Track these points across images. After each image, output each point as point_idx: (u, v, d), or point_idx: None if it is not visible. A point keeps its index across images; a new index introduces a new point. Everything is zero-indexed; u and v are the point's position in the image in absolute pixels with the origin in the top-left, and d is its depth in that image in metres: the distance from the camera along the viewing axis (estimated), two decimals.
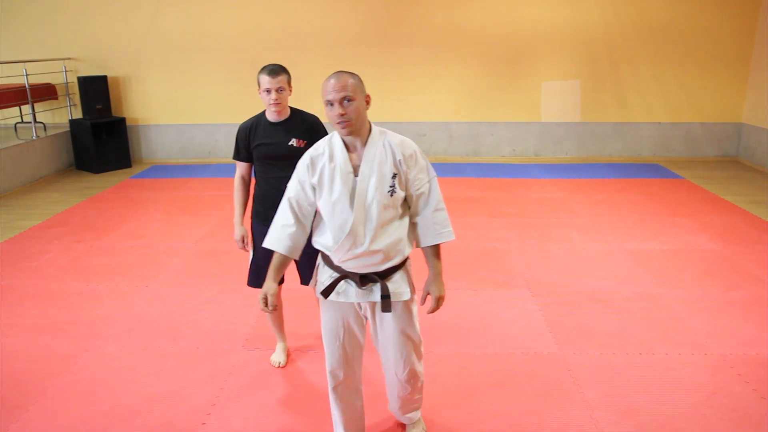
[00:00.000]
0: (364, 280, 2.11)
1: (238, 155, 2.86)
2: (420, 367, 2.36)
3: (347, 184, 2.05)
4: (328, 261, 2.18)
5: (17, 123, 7.48)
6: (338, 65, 7.74)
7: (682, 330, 3.43)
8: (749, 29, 7.49)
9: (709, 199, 6.06)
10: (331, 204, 2.06)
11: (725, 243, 4.80)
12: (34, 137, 7.13)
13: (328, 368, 2.30)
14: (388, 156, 2.06)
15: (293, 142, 2.75)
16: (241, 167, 2.88)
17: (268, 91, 2.67)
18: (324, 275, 2.20)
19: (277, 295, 3.01)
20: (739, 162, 7.79)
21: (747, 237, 4.94)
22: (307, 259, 2.87)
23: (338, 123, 1.99)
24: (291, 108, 2.81)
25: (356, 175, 2.05)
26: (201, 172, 7.51)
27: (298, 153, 2.70)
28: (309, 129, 2.79)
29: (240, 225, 2.90)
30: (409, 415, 2.53)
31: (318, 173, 2.09)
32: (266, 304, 2.16)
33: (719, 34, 7.50)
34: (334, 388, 2.33)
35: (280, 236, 2.16)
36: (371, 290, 2.13)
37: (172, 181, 7.05)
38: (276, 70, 2.66)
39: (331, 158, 2.08)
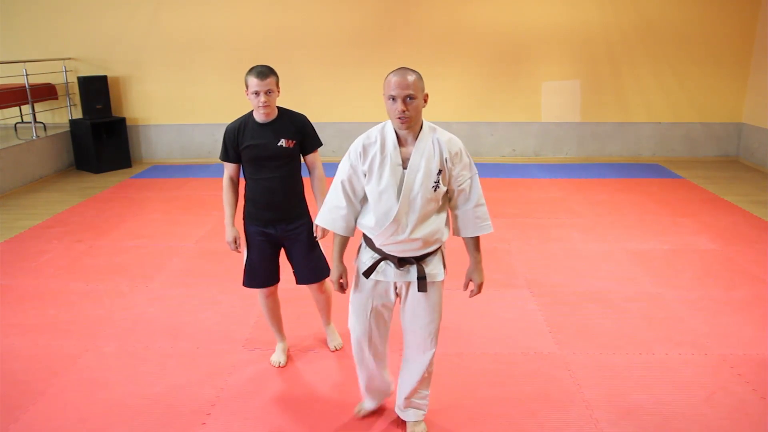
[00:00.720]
0: (402, 262, 2.26)
1: (226, 156, 2.82)
2: (433, 362, 2.46)
3: (395, 176, 2.16)
4: (370, 243, 2.31)
5: (17, 123, 7.48)
6: (338, 65, 7.77)
7: (682, 330, 3.43)
8: (749, 29, 7.49)
9: (709, 199, 6.06)
10: (378, 192, 2.18)
11: (725, 243, 4.80)
12: (34, 137, 7.13)
13: (353, 339, 2.46)
14: (435, 153, 2.17)
15: (282, 142, 2.74)
16: (229, 168, 2.85)
17: (257, 93, 2.64)
18: (365, 256, 2.33)
19: (275, 295, 3.03)
20: (739, 162, 7.79)
21: (747, 237, 4.94)
22: (303, 257, 2.90)
23: (398, 118, 2.09)
24: (279, 108, 2.79)
25: (404, 168, 2.17)
26: (201, 172, 7.51)
27: (288, 153, 2.76)
28: (298, 129, 2.79)
29: (231, 226, 2.87)
30: (412, 409, 2.56)
31: (369, 161, 2.19)
32: (341, 288, 2.40)
33: (719, 34, 7.50)
34: (359, 360, 2.50)
35: (334, 217, 2.31)
36: (408, 271, 2.28)
37: (172, 181, 7.05)
38: (264, 72, 2.63)
39: (382, 149, 2.18)
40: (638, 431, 2.58)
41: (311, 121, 2.88)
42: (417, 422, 2.58)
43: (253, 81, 2.62)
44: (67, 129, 7.70)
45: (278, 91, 2.71)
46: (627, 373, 3.01)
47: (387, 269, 2.29)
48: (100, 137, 7.56)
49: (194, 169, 7.66)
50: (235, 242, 2.87)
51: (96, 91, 7.50)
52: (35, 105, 7.30)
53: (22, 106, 7.41)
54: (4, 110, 7.57)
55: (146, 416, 2.70)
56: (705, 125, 7.86)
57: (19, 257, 4.65)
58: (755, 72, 7.52)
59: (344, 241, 2.36)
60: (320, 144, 2.92)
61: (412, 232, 2.17)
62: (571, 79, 7.75)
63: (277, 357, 3.14)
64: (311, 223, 2.88)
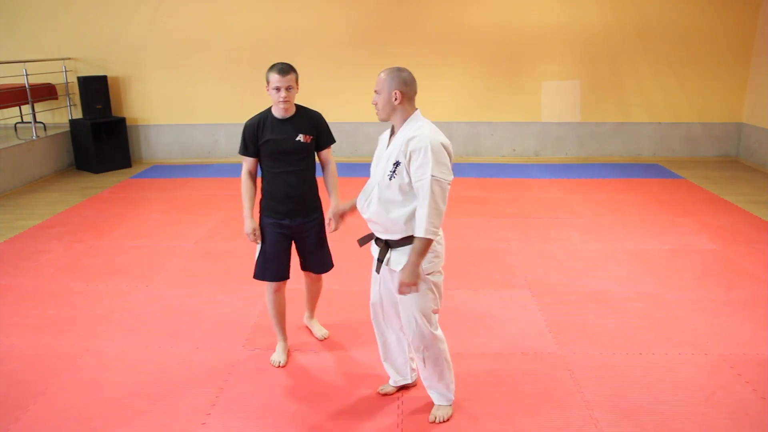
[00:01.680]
0: (377, 240, 2.51)
1: (245, 151, 2.90)
2: (429, 349, 2.52)
3: (376, 158, 2.47)
4: None
5: (17, 123, 7.48)
6: (338, 65, 7.77)
7: (682, 330, 3.43)
8: (749, 29, 7.49)
9: (709, 199, 6.06)
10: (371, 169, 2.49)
11: (725, 243, 4.80)
12: (34, 137, 7.12)
13: (370, 302, 2.70)
14: (399, 145, 2.33)
15: (300, 137, 2.85)
16: (248, 162, 2.92)
17: (278, 89, 2.75)
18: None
19: (282, 292, 3.05)
20: (739, 162, 7.79)
21: (747, 237, 4.94)
22: (315, 248, 3.01)
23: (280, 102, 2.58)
24: (296, 105, 2.90)
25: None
26: (201, 172, 7.51)
27: (306, 148, 2.87)
28: (314, 125, 2.91)
29: (250, 218, 2.94)
30: (433, 391, 2.67)
31: (380, 147, 2.52)
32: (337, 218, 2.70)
33: (719, 34, 7.50)
34: (375, 320, 2.73)
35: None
36: (377, 251, 2.50)
37: (172, 181, 7.05)
38: (286, 69, 2.75)
39: (383, 137, 2.52)
40: (638, 431, 2.58)
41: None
42: (440, 406, 2.67)
43: (275, 77, 2.74)
44: (67, 129, 7.70)
45: (297, 88, 2.82)
46: (627, 373, 3.01)
47: (373, 244, 2.54)
48: (100, 137, 7.56)
49: (194, 169, 7.66)
50: (254, 233, 2.93)
51: (96, 91, 7.50)
52: (35, 105, 7.30)
53: (22, 106, 7.41)
54: (4, 110, 7.57)
55: (146, 416, 2.70)
56: (705, 125, 7.86)
57: (19, 257, 4.65)
58: (755, 72, 7.52)
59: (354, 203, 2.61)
60: (333, 141, 3.05)
61: (371, 213, 2.40)
62: (571, 79, 7.75)
63: (278, 356, 3.15)
64: (323, 217, 3.01)
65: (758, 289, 3.96)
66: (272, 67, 2.76)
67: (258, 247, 3.00)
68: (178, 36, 7.72)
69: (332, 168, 3.03)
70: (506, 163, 7.83)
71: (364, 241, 2.59)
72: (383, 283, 2.59)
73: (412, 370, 2.82)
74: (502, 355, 3.20)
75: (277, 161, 2.86)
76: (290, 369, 3.09)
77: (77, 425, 2.65)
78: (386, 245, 2.44)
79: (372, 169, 2.49)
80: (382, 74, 2.36)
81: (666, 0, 7.43)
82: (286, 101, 2.77)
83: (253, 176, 2.95)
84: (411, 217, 2.34)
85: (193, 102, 7.95)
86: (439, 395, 2.67)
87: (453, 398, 2.68)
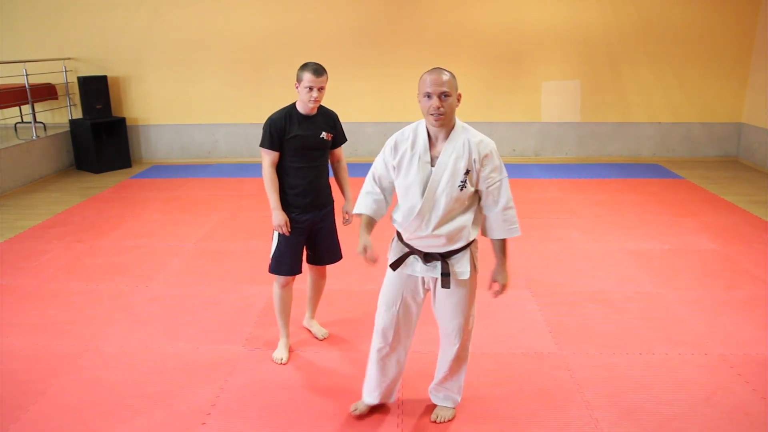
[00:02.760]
0: (428, 257, 2.33)
1: (271, 144, 2.90)
2: (468, 346, 2.54)
3: (422, 172, 2.24)
4: (400, 237, 2.40)
5: (17, 123, 7.48)
6: (338, 65, 7.76)
7: (682, 330, 3.43)
8: (749, 29, 7.49)
9: (709, 199, 6.06)
10: (405, 187, 2.28)
11: (725, 243, 4.80)
12: (34, 137, 7.12)
13: (377, 328, 2.51)
14: (465, 153, 2.22)
15: (323, 135, 2.94)
16: (272, 156, 2.93)
17: (311, 88, 2.80)
18: (396, 249, 2.43)
19: (291, 287, 3.09)
20: (739, 162, 7.79)
21: (747, 237, 4.94)
22: (328, 240, 3.07)
23: (432, 115, 2.16)
24: None
25: (433, 166, 2.24)
26: (201, 172, 7.51)
27: (326, 145, 2.98)
28: (333, 123, 3.01)
29: (280, 209, 2.93)
30: (443, 394, 2.65)
31: (399, 156, 2.28)
32: (369, 258, 2.37)
33: (719, 34, 7.50)
34: (379, 350, 2.54)
35: (366, 202, 2.41)
36: (435, 266, 2.34)
37: (172, 181, 7.05)
38: (320, 70, 2.82)
39: (413, 145, 2.27)
40: (638, 431, 2.58)
41: None
42: (444, 407, 2.65)
43: (310, 77, 2.80)
44: (67, 129, 7.70)
45: (324, 90, 2.89)
46: (627, 373, 3.01)
47: (415, 263, 2.37)
48: (100, 137, 7.56)
49: (194, 169, 7.66)
50: (287, 225, 2.93)
51: (96, 91, 7.50)
52: (35, 105, 7.30)
53: (22, 106, 7.41)
54: (4, 110, 7.57)
55: (146, 416, 2.70)
56: (705, 125, 7.86)
57: (19, 257, 4.65)
58: (755, 72, 7.52)
59: (371, 222, 2.41)
60: (346, 140, 3.15)
61: (435, 228, 2.24)
62: (571, 79, 7.75)
63: (280, 353, 3.16)
64: (334, 209, 3.11)
65: (758, 289, 3.96)
66: (306, 66, 2.81)
67: (274, 242, 3.02)
68: (178, 36, 7.72)
69: (344, 164, 3.14)
70: (506, 163, 7.72)
71: (398, 263, 2.39)
72: (403, 306, 2.44)
73: (397, 389, 2.74)
74: (502, 355, 3.20)
75: (301, 156, 2.91)
76: (290, 368, 3.09)
77: (77, 425, 2.65)
78: (442, 258, 2.31)
79: (412, 183, 2.24)
80: (445, 74, 2.15)
81: (666, 0, 7.43)
82: (316, 101, 2.84)
83: (276, 169, 2.96)
84: (473, 223, 2.30)
85: (193, 102, 7.95)
86: (448, 398, 2.66)
87: (459, 401, 2.68)
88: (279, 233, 2.97)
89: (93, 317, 3.66)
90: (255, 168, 7.60)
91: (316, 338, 3.37)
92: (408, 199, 2.27)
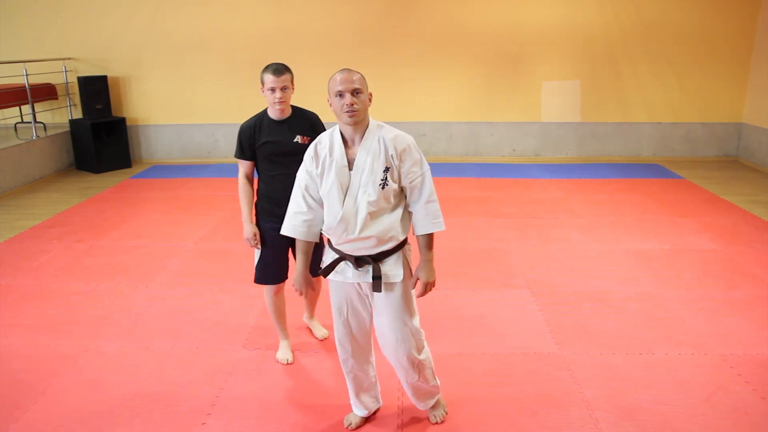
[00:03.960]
0: (359, 261, 2.26)
1: (242, 154, 2.87)
2: (421, 355, 2.42)
3: (341, 177, 2.20)
4: (329, 243, 2.34)
5: (17, 123, 7.48)
6: (338, 65, 7.68)
7: (682, 330, 3.43)
8: (749, 29, 7.49)
9: (709, 199, 6.06)
10: (326, 193, 2.23)
11: (725, 243, 4.80)
12: (34, 137, 7.12)
13: (336, 340, 2.47)
14: (381, 150, 2.18)
15: (298, 138, 2.81)
16: (245, 166, 2.89)
17: (273, 89, 2.70)
18: (327, 256, 2.36)
19: (282, 293, 3.05)
20: (739, 162, 7.79)
21: (747, 237, 4.94)
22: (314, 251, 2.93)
23: (346, 112, 2.13)
24: (292, 106, 2.86)
25: (351, 169, 2.20)
26: (201, 172, 7.51)
27: (303, 149, 2.74)
28: (311, 126, 2.87)
29: (249, 223, 2.90)
30: (427, 401, 2.59)
31: (320, 164, 2.24)
32: (300, 292, 2.39)
33: (719, 34, 7.50)
34: (344, 360, 2.49)
35: (295, 223, 2.33)
36: (367, 271, 2.27)
37: (172, 181, 7.05)
38: (280, 69, 2.70)
39: (330, 151, 2.22)
40: (638, 431, 2.58)
41: None
42: (434, 406, 2.63)
43: (269, 78, 2.69)
44: (67, 129, 7.70)
45: (293, 88, 2.77)
46: (627, 373, 3.01)
47: (346, 269, 2.30)
48: (100, 137, 7.56)
49: (194, 169, 7.66)
50: (255, 238, 2.89)
51: (96, 91, 7.50)
52: (35, 105, 7.30)
53: (22, 106, 7.41)
54: (4, 110, 7.57)
55: (146, 416, 2.70)
56: (705, 125, 7.86)
57: (19, 257, 4.65)
58: (755, 72, 7.52)
59: (307, 247, 2.36)
60: None
61: (361, 230, 2.19)
62: (571, 79, 7.75)
63: (284, 354, 3.15)
64: None
65: (758, 289, 3.96)
66: (266, 68, 2.71)
67: (256, 252, 2.97)
68: (178, 36, 7.72)
69: None
70: (506, 163, 7.83)
71: (329, 270, 2.32)
72: (352, 313, 2.38)
73: (378, 391, 2.69)
74: (502, 355, 3.20)
75: (275, 164, 2.81)
76: (290, 369, 3.09)
77: (77, 425, 2.65)
78: (374, 261, 2.25)
79: (331, 188, 2.20)
80: (356, 74, 2.15)
81: (666, 0, 7.43)
82: (281, 102, 2.72)
83: (250, 180, 2.93)
84: (401, 221, 2.23)
85: (193, 102, 7.96)
86: (427, 399, 2.58)
87: (439, 388, 2.60)
88: (262, 242, 2.90)
89: (93, 317, 3.66)
90: None
91: (315, 337, 3.36)
92: (330, 205, 2.21)
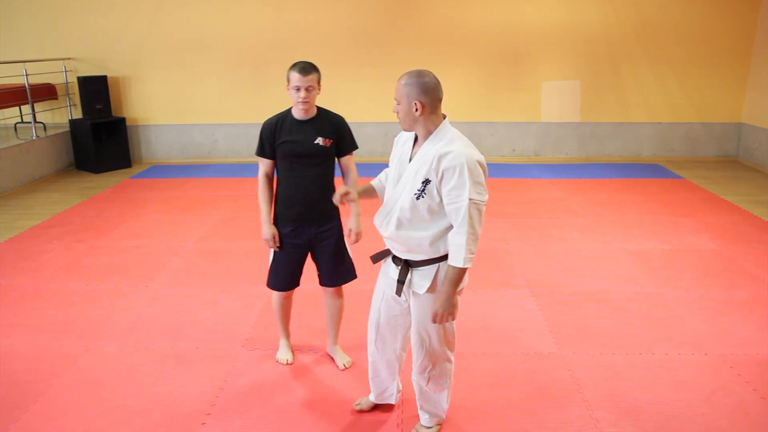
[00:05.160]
0: (395, 259, 2.29)
1: (262, 152, 2.78)
2: (437, 369, 2.39)
3: (398, 170, 2.23)
4: None
5: (17, 123, 7.48)
6: (338, 65, 7.76)
7: (682, 330, 3.43)
8: (749, 29, 7.49)
9: (709, 199, 6.06)
10: (388, 181, 2.30)
11: (725, 243, 4.80)
12: (34, 137, 7.12)
13: (369, 323, 2.53)
14: (429, 161, 2.09)
15: (319, 140, 2.72)
16: (265, 164, 2.81)
17: (298, 88, 2.63)
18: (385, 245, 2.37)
19: (291, 297, 3.00)
20: (739, 162, 7.79)
21: (747, 237, 4.94)
22: (329, 261, 2.87)
23: (299, 106, 2.36)
24: (318, 107, 2.78)
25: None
26: (201, 172, 7.51)
27: (324, 152, 2.73)
28: (335, 129, 2.78)
29: (269, 223, 2.80)
30: (424, 412, 2.55)
31: (399, 149, 2.29)
32: (344, 195, 2.31)
33: (719, 34, 7.51)
34: (369, 343, 2.54)
35: (380, 176, 2.42)
36: (398, 270, 2.27)
37: (172, 181, 7.05)
38: (307, 69, 2.63)
39: (405, 142, 2.27)
40: (638, 431, 2.58)
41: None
42: (424, 426, 2.56)
43: (295, 76, 2.62)
44: (67, 129, 7.70)
45: (319, 89, 2.69)
46: (627, 373, 3.01)
47: (389, 263, 2.33)
48: (100, 137, 7.56)
49: (194, 169, 7.66)
50: (274, 239, 2.80)
51: (96, 91, 7.50)
52: (35, 105, 7.30)
53: (22, 106, 7.41)
54: (4, 110, 7.57)
55: (146, 416, 2.70)
56: (705, 125, 7.86)
57: (19, 257, 4.65)
58: (755, 72, 7.52)
59: (368, 189, 2.40)
60: (356, 147, 2.88)
61: (393, 230, 2.17)
62: (571, 79, 7.75)
63: (284, 354, 3.14)
64: (341, 227, 2.87)
65: (758, 289, 3.96)
66: (293, 66, 2.63)
67: (271, 254, 2.90)
68: (178, 36, 7.72)
69: (354, 175, 2.85)
70: (506, 163, 7.83)
71: (378, 257, 2.35)
72: (385, 304, 2.40)
73: (398, 391, 2.69)
74: (502, 355, 3.20)
75: (294, 164, 2.72)
76: (291, 369, 3.09)
77: (77, 425, 2.65)
78: (406, 265, 2.22)
79: (391, 179, 2.23)
80: (402, 80, 2.09)
81: (666, 0, 7.43)
82: (305, 102, 2.64)
83: (270, 179, 2.83)
84: (438, 238, 2.13)
85: (193, 102, 7.95)
86: (430, 416, 2.53)
87: (444, 417, 2.58)
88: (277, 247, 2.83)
89: (93, 317, 3.66)
90: (255, 168, 7.54)
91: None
92: (386, 192, 2.26)
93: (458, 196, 2.04)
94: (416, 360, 2.40)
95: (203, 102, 7.94)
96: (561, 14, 7.51)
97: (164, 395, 2.86)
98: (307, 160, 2.72)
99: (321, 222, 2.80)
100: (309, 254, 2.91)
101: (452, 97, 7.91)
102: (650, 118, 7.84)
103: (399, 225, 2.16)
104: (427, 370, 2.39)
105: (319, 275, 2.94)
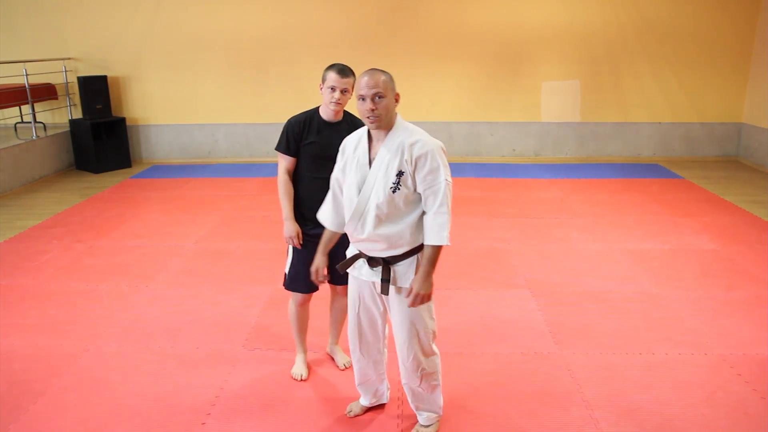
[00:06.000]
0: (371, 261, 2.28)
1: (287, 149, 2.73)
2: (427, 362, 2.41)
3: (359, 174, 2.22)
4: (351, 239, 2.35)
5: (17, 123, 7.48)
6: None
7: (682, 330, 3.43)
8: (749, 29, 7.49)
9: (709, 199, 6.06)
10: (346, 189, 2.27)
11: (725, 243, 4.80)
12: (34, 137, 7.12)
13: (348, 332, 2.53)
14: (397, 154, 2.15)
15: None
16: (287, 161, 2.76)
17: (333, 89, 2.60)
18: (349, 251, 2.39)
19: (308, 304, 2.96)
20: (739, 162, 7.79)
21: (747, 237, 4.94)
22: (343, 250, 2.85)
23: (368, 117, 2.14)
24: (344, 111, 2.77)
25: (370, 167, 2.20)
26: (201, 172, 7.51)
27: None
28: None
29: (292, 220, 2.75)
30: (421, 412, 2.55)
31: (345, 158, 2.29)
32: (317, 276, 2.44)
33: (719, 34, 7.51)
34: (353, 351, 2.54)
35: (325, 212, 2.42)
36: (378, 271, 2.27)
37: (172, 181, 7.05)
38: (346, 71, 2.62)
39: (355, 147, 2.26)
40: (638, 431, 2.58)
41: None
42: (423, 426, 2.56)
43: (333, 76, 2.60)
44: (67, 129, 7.70)
45: (351, 94, 2.64)
46: (627, 373, 3.01)
47: (362, 266, 2.32)
48: (100, 137, 7.56)
49: (194, 169, 7.66)
50: (298, 237, 2.76)
51: (96, 91, 7.50)
52: (35, 105, 7.30)
53: (22, 106, 7.41)
54: (4, 110, 7.57)
55: (146, 416, 2.70)
56: (705, 125, 7.86)
57: (19, 257, 4.65)
58: (755, 72, 7.52)
59: (331, 236, 2.43)
60: None
61: (372, 231, 2.18)
62: (571, 79, 7.75)
63: (299, 370, 3.03)
64: None
65: (758, 289, 3.96)
66: (332, 66, 2.61)
67: (289, 257, 2.87)
68: (178, 36, 7.72)
69: None
70: (506, 163, 7.83)
71: (346, 265, 2.35)
72: (363, 309, 2.41)
73: (388, 389, 2.72)
74: (502, 355, 3.20)
75: (318, 165, 2.68)
76: (289, 369, 3.09)
77: (77, 425, 2.65)
78: (385, 263, 2.24)
79: (351, 185, 2.23)
80: (382, 75, 2.12)
81: (666, 0, 7.43)
82: (338, 104, 2.62)
83: (291, 176, 2.79)
84: (416, 226, 2.19)
85: (193, 102, 7.96)
86: (428, 415, 2.54)
87: (441, 414, 2.58)
88: (296, 248, 2.79)
89: (93, 317, 3.66)
90: (255, 168, 7.61)
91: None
92: (346, 200, 2.26)
93: (435, 180, 2.14)
94: (406, 361, 2.38)
95: (203, 102, 7.94)
96: (561, 14, 7.51)
97: (164, 395, 2.86)
98: (331, 163, 2.62)
99: None
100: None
101: (452, 97, 7.95)
102: (650, 118, 7.85)
103: (377, 223, 2.18)
104: (419, 368, 2.39)
105: (329, 273, 2.88)
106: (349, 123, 2.75)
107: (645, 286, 4.03)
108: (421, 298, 2.21)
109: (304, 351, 3.09)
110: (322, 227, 2.66)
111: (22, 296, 3.96)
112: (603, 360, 3.13)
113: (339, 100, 2.62)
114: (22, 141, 6.96)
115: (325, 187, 2.62)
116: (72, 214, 5.79)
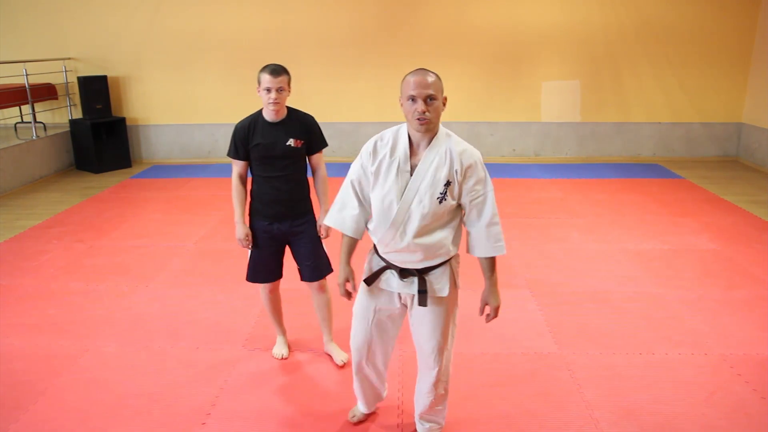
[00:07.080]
0: (404, 273, 2.17)
1: (236, 154, 2.85)
2: (448, 373, 2.39)
3: (400, 181, 2.08)
4: (376, 249, 2.25)
5: (17, 123, 7.48)
6: (338, 65, 7.77)
7: (682, 330, 3.43)
8: (749, 29, 7.49)
9: (709, 199, 6.06)
10: (381, 196, 2.11)
11: (725, 243, 4.80)
12: (34, 137, 7.12)
13: (352, 344, 2.42)
14: (446, 162, 2.06)
15: (291, 142, 2.79)
16: (238, 166, 2.87)
17: (269, 90, 2.69)
18: (372, 263, 2.27)
19: (277, 291, 3.04)
20: (739, 162, 7.79)
21: (747, 237, 4.94)
22: (307, 254, 2.92)
23: (418, 119, 2.01)
24: (288, 108, 2.84)
25: (411, 175, 2.08)
26: (201, 172, 7.51)
27: (296, 153, 2.81)
28: (306, 129, 2.84)
29: (242, 223, 2.89)
30: (423, 422, 2.52)
31: (378, 162, 2.12)
32: (347, 293, 2.32)
33: (719, 34, 7.51)
34: (357, 363, 2.45)
35: (344, 217, 2.23)
36: (412, 282, 2.18)
37: (172, 181, 7.05)
38: (278, 70, 2.69)
39: (392, 151, 2.10)
40: (638, 431, 2.58)
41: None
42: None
43: (266, 77, 2.67)
44: (67, 129, 7.70)
45: (289, 91, 2.75)
46: (627, 373, 3.01)
47: (391, 279, 2.22)
48: (100, 137, 7.56)
49: (194, 169, 7.66)
50: (247, 239, 2.89)
51: (96, 91, 7.50)
52: (35, 105, 7.30)
53: (22, 106, 7.41)
54: (4, 110, 7.57)
55: (146, 416, 2.70)
56: (705, 125, 7.86)
57: (19, 257, 4.65)
58: (755, 72, 7.52)
59: (352, 243, 2.27)
60: (326, 145, 2.95)
61: (411, 241, 2.08)
62: (571, 79, 7.75)
63: (279, 349, 3.18)
64: (315, 220, 2.94)
65: (758, 289, 3.96)
66: (264, 68, 2.70)
67: (249, 252, 2.98)
68: (178, 36, 7.72)
69: (322, 173, 2.95)
70: (506, 163, 7.83)
71: (374, 278, 2.24)
72: (377, 325, 2.32)
73: (386, 389, 2.67)
74: (502, 355, 3.20)
75: (266, 165, 2.80)
76: (290, 369, 3.09)
77: (77, 425, 2.65)
78: (419, 274, 2.16)
79: (388, 191, 2.08)
80: (430, 76, 1.99)
81: (666, 0, 7.43)
82: (276, 103, 2.69)
83: (243, 180, 2.90)
84: (455, 236, 2.14)
85: (193, 102, 7.96)
86: (430, 426, 2.51)
87: (444, 424, 2.55)
88: (254, 241, 2.90)
89: (93, 317, 3.66)
90: None
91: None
92: (383, 208, 2.10)
93: (483, 189, 2.10)
94: (431, 373, 2.32)
95: (203, 102, 7.94)
96: (561, 14, 7.51)
97: (164, 395, 2.86)
98: (280, 161, 2.79)
99: (294, 217, 2.88)
100: (287, 249, 2.98)
101: (452, 97, 7.87)
102: (650, 118, 7.85)
103: (418, 233, 2.07)
104: (442, 380, 2.35)
105: (299, 271, 2.99)
106: (295, 119, 2.82)
107: (645, 286, 4.03)
108: (496, 310, 2.24)
109: (283, 333, 3.23)
110: (279, 222, 2.77)
111: (22, 296, 3.96)
112: (603, 360, 3.13)
113: (276, 99, 2.69)
114: (22, 141, 6.96)
115: (276, 184, 2.77)
116: (72, 214, 5.79)
